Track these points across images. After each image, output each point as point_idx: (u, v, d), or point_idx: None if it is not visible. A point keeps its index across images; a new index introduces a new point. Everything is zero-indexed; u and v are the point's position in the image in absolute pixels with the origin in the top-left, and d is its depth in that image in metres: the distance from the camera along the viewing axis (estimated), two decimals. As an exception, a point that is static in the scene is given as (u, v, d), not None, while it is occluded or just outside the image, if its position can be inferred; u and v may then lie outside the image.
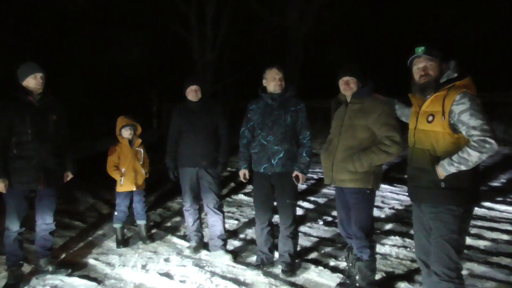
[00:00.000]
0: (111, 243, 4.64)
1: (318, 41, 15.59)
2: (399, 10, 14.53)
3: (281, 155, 3.63)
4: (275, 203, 3.87)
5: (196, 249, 4.34)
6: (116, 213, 4.66)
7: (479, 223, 4.69)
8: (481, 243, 4.17)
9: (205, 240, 4.51)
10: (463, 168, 2.51)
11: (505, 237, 4.31)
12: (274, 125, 3.65)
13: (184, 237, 4.75)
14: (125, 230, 4.82)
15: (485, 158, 2.50)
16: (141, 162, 4.68)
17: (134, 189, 4.63)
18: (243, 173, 3.91)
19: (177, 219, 5.52)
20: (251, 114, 3.83)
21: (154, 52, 16.80)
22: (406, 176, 2.85)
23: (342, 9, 14.59)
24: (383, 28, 14.91)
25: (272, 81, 3.68)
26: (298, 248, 3.96)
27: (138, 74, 16.95)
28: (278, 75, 3.67)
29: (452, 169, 2.52)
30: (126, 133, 4.62)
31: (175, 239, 4.78)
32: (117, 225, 4.63)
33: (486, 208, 5.16)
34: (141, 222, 4.74)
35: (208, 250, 4.32)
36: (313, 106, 10.84)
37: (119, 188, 4.61)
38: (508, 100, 8.79)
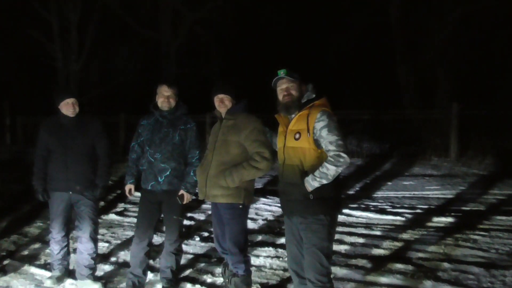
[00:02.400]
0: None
1: (191, 56, 15.72)
2: (268, 29, 15.53)
3: (168, 173, 3.57)
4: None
5: (59, 279, 3.92)
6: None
7: (340, 229, 5.16)
8: (342, 248, 4.60)
9: (71, 267, 4.10)
10: (324, 182, 2.75)
11: (361, 240, 4.82)
12: (161, 143, 3.58)
13: (45, 266, 4.27)
14: (-31, 264, 4.13)
15: (340, 171, 2.78)
16: None
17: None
18: (129, 188, 3.73)
19: (36, 245, 4.93)
20: (141, 129, 3.72)
21: (5, 58, 14.98)
22: (278, 191, 3.03)
23: (214, 26, 14.99)
24: (253, 45, 15.74)
25: (160, 98, 3.62)
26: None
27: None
28: (167, 93, 3.61)
29: (316, 184, 2.76)
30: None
31: (33, 269, 4.26)
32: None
33: (345, 215, 5.72)
34: (-10, 253, 4.12)
35: (74, 278, 3.94)
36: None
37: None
38: (359, 118, 10.06)
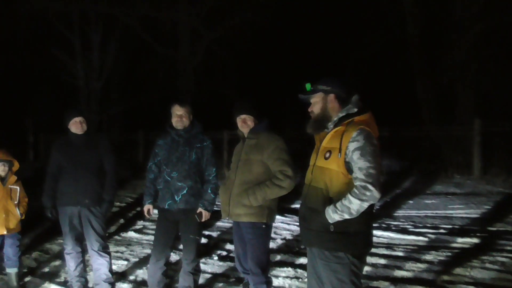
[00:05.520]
0: (-29, 299, 3.96)
1: (209, 74, 15.92)
2: (285, 46, 15.62)
3: (185, 191, 3.57)
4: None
5: (78, 297, 3.94)
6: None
7: (361, 249, 5.05)
8: (363, 269, 4.47)
9: (90, 285, 4.11)
10: (346, 216, 2.35)
11: (382, 261, 4.69)
12: (178, 162, 3.60)
13: (64, 284, 4.28)
14: (-9, 280, 4.17)
15: (366, 206, 2.35)
16: (15, 202, 4.14)
17: (5, 232, 4.06)
18: (147, 209, 3.76)
19: (57, 263, 4.95)
20: (158, 149, 3.75)
21: (30, 77, 15.41)
22: (299, 215, 2.67)
23: (231, 44, 15.18)
24: (270, 63, 15.84)
25: (174, 118, 3.65)
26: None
27: (11, 100, 15.32)
28: (180, 111, 3.64)
29: (337, 217, 2.37)
30: (-2, 169, 4.07)
31: (53, 287, 4.27)
32: (-21, 276, 3.98)
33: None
34: (12, 270, 4.16)
35: (93, 297, 3.95)
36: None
37: (-16, 232, 4.00)
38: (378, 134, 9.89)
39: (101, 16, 14.76)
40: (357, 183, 2.35)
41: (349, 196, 2.34)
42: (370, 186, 2.31)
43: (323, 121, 2.54)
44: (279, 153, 3.25)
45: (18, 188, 4.20)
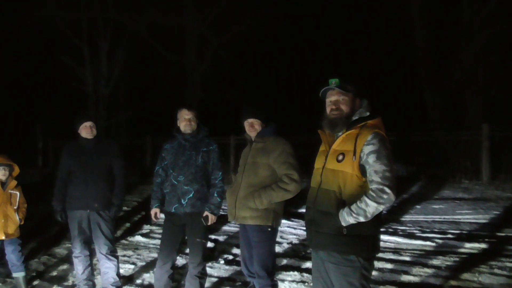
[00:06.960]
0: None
1: (215, 79, 16.01)
2: (291, 52, 15.66)
3: (191, 195, 3.59)
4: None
5: (86, 301, 3.96)
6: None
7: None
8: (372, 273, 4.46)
9: (98, 288, 4.14)
10: (361, 219, 2.34)
11: (389, 266, 4.67)
12: (185, 166, 3.63)
13: (72, 287, 4.30)
14: (-1, 284, 4.21)
15: (381, 209, 2.36)
16: (15, 207, 4.16)
17: (3, 238, 4.07)
18: (154, 212, 3.78)
19: (64, 267, 4.99)
20: (165, 153, 3.79)
21: (39, 84, 15.61)
22: (305, 219, 2.62)
23: (238, 49, 15.27)
24: (277, 68, 15.89)
25: (182, 122, 3.69)
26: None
27: (20, 106, 15.51)
28: (188, 116, 3.67)
29: (351, 220, 2.35)
30: (-3, 174, 4.11)
31: (61, 291, 4.30)
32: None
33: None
34: (19, 275, 4.18)
35: (101, 301, 3.97)
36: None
37: (-18, 237, 4.02)
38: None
39: (109, 23, 14.95)
40: (373, 186, 2.34)
41: (365, 199, 2.33)
42: (387, 189, 2.31)
43: (344, 121, 2.48)
44: (286, 156, 3.27)
45: (17, 193, 4.21)
